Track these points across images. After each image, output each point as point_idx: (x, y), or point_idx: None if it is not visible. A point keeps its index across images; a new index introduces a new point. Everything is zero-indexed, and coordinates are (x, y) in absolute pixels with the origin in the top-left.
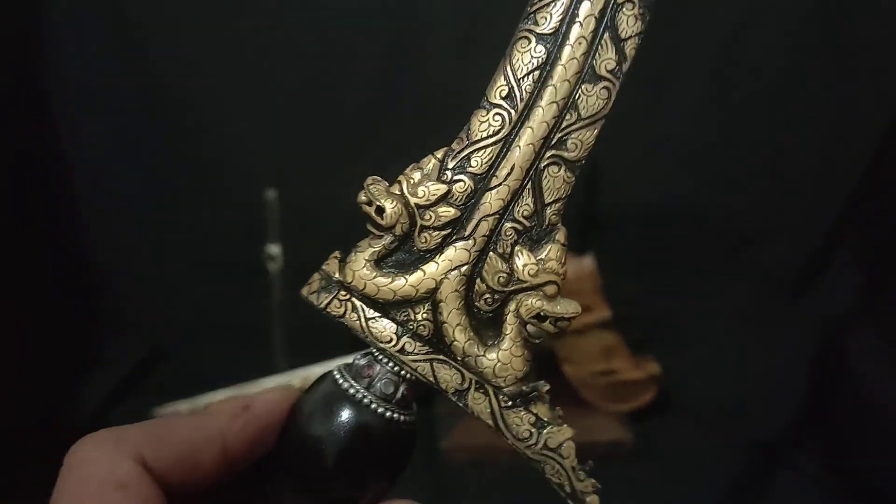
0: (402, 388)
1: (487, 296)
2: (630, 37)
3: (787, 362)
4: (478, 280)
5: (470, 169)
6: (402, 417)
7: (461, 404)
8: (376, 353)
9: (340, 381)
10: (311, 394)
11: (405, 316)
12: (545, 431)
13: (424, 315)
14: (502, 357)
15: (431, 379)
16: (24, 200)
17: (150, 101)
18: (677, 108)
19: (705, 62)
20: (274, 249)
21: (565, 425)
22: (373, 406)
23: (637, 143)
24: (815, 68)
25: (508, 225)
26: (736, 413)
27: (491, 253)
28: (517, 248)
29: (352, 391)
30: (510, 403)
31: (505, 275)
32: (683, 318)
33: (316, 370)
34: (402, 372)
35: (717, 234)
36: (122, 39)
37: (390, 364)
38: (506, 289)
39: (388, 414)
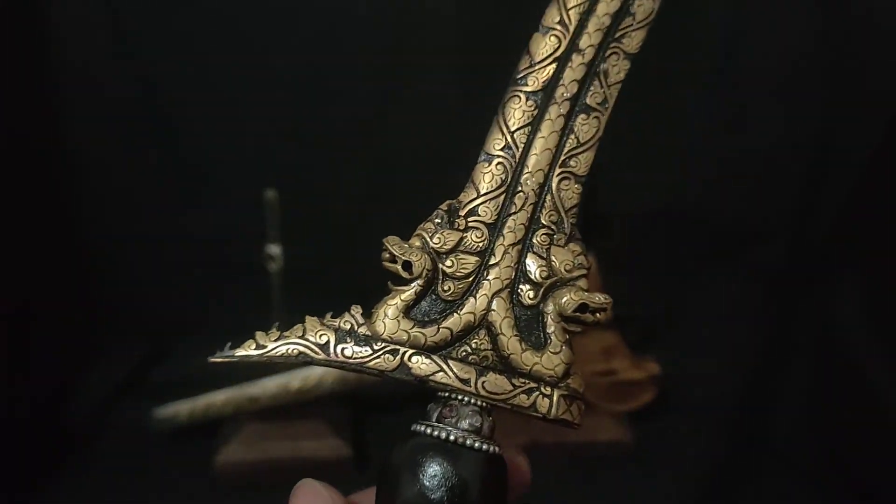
0: (486, 419)
1: (531, 291)
2: (614, 83)
3: (787, 362)
4: (519, 284)
5: (481, 218)
6: (496, 449)
7: (531, 413)
8: (453, 396)
9: (426, 430)
10: (393, 458)
11: (464, 352)
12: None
13: (481, 343)
14: (555, 359)
15: (510, 405)
16: (23, 200)
17: (150, 101)
18: (677, 106)
19: (704, 61)
20: (274, 249)
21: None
22: (469, 443)
23: (636, 143)
24: (813, 66)
25: (541, 231)
26: (736, 413)
27: (530, 254)
28: (552, 249)
29: (444, 434)
30: (566, 393)
31: (545, 269)
32: (683, 318)
33: (316, 370)
34: (482, 403)
35: (716, 233)
36: (122, 39)
37: (472, 400)
38: (547, 281)
39: (485, 447)
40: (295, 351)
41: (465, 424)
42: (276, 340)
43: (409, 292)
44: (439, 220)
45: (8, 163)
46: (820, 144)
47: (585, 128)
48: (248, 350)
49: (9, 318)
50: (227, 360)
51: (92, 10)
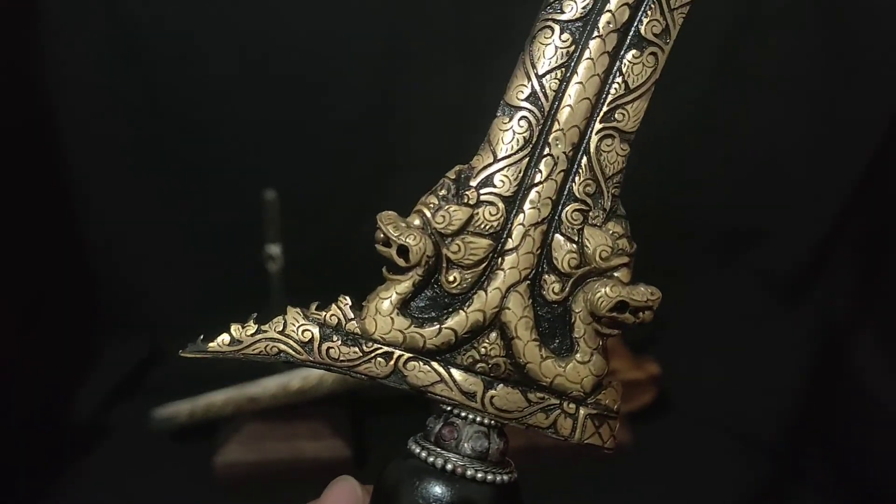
0: (494, 441)
1: (556, 284)
2: (680, 5)
3: (788, 363)
4: (542, 275)
5: (497, 190)
6: (504, 478)
7: (551, 436)
8: (456, 411)
9: (422, 453)
10: (386, 481)
11: (470, 358)
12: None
13: (492, 347)
14: (583, 370)
15: (525, 425)
16: (23, 200)
17: (150, 101)
18: (676, 106)
19: (702, 60)
20: (274, 249)
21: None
22: (469, 473)
23: (635, 142)
24: (813, 67)
25: (573, 207)
26: (736, 414)
27: (557, 236)
28: (585, 229)
29: (440, 462)
30: (595, 412)
31: (575, 256)
32: (683, 318)
33: (316, 370)
34: (490, 421)
35: (716, 234)
36: (122, 39)
37: (477, 418)
38: (577, 271)
39: (489, 478)
40: (274, 349)
41: (467, 448)
42: (252, 335)
43: (405, 283)
44: (445, 192)
45: (8, 163)
46: (820, 144)
47: (637, 68)
48: (221, 345)
49: (9, 319)
50: (198, 355)
51: (93, 8)
